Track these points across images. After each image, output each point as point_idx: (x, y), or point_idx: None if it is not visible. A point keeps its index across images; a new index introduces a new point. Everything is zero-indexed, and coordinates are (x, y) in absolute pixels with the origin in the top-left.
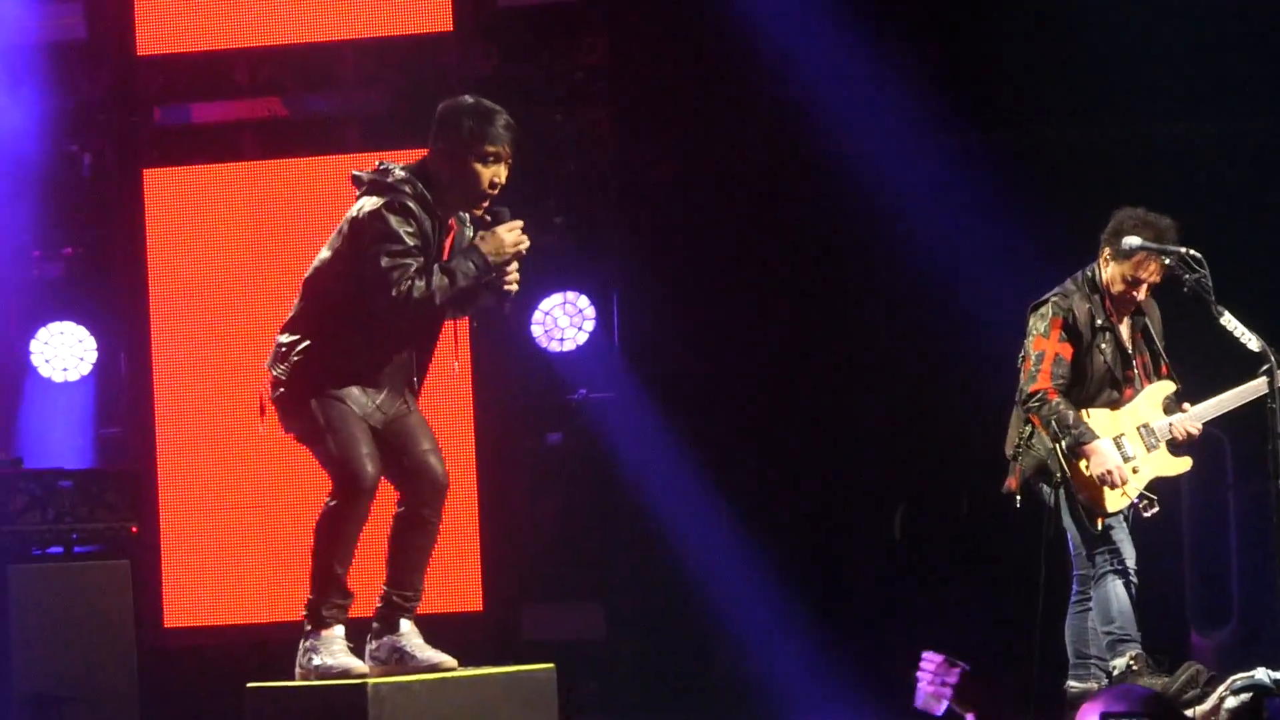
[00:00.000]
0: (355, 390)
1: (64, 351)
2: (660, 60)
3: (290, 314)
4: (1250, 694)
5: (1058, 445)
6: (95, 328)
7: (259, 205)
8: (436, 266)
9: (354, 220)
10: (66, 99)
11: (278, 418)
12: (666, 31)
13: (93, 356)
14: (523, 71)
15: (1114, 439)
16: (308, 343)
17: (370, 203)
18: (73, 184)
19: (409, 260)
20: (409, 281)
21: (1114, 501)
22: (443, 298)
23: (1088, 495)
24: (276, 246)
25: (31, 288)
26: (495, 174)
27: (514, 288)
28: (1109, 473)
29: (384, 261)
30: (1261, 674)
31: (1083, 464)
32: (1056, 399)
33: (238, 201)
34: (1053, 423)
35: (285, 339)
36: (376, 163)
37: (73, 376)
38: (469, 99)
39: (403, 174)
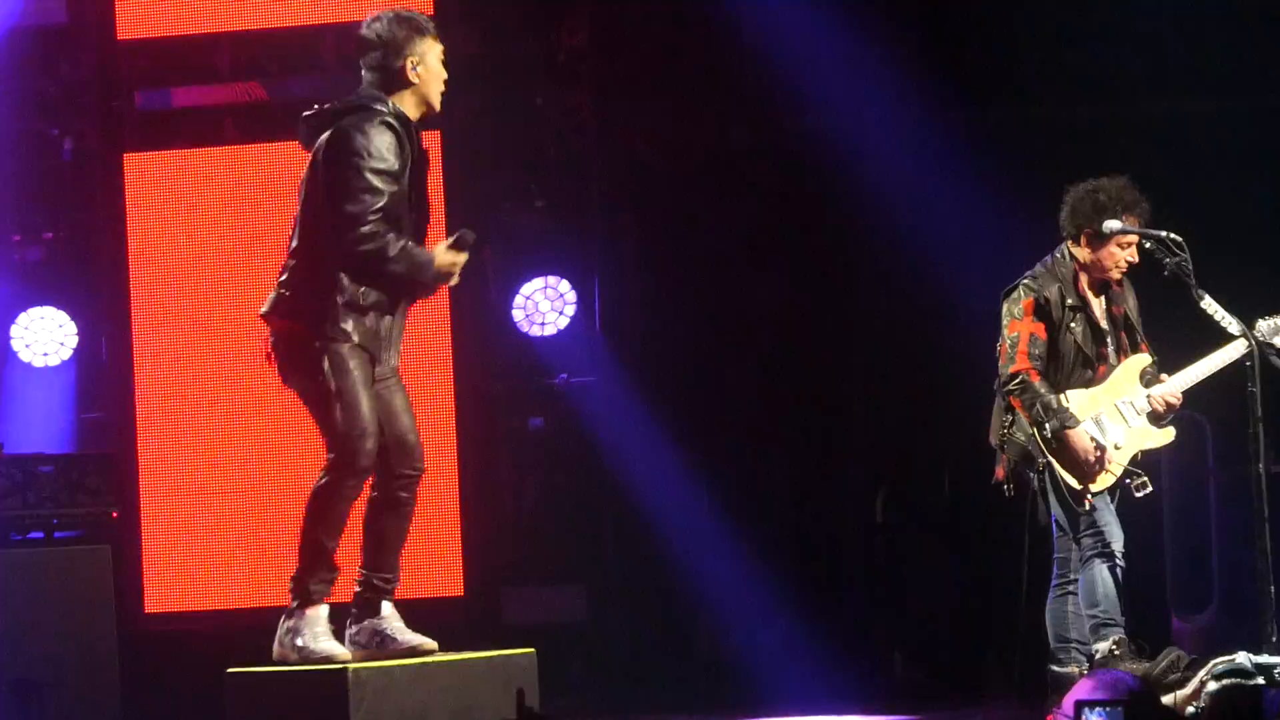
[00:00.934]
0: (376, 337)
1: (44, 336)
2: (642, 42)
3: (285, 264)
4: (1232, 679)
5: (1036, 430)
6: (76, 312)
7: (240, 189)
8: (405, 245)
9: (331, 139)
10: (47, 83)
11: (279, 368)
12: (648, 13)
13: (73, 341)
14: (504, 54)
15: (1093, 418)
16: (321, 283)
17: (349, 121)
18: (53, 168)
19: (383, 193)
20: (383, 238)
21: (1098, 481)
22: (389, 267)
23: (1072, 476)
24: (257, 230)
25: (11, 272)
26: (444, 64)
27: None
28: (1090, 461)
29: (366, 179)
30: (1242, 658)
31: (1063, 444)
32: (1038, 380)
33: (219, 185)
34: (1036, 406)
35: (291, 280)
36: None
37: (53, 361)
38: (388, 14)
39: (376, 93)
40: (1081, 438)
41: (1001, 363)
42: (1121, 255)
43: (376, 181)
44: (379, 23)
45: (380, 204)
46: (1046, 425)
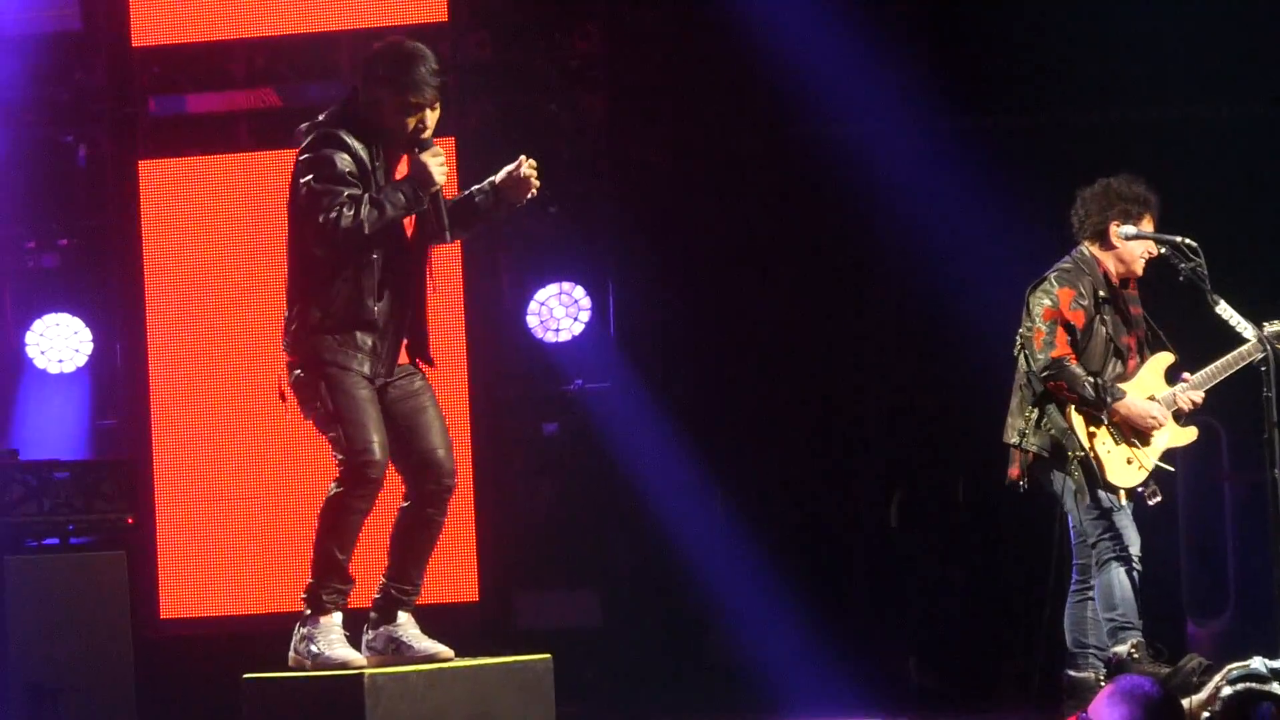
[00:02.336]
0: (352, 349)
1: (60, 343)
2: (655, 47)
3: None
4: (1248, 683)
5: (1073, 422)
6: (91, 319)
7: (254, 196)
8: (366, 197)
9: (293, 170)
10: (62, 90)
11: (297, 403)
12: (661, 18)
13: (88, 348)
14: (517, 60)
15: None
16: (300, 310)
17: (303, 146)
18: (68, 175)
19: (339, 187)
20: (337, 209)
21: (1132, 475)
22: (371, 228)
23: (1107, 471)
24: (272, 237)
25: (27, 279)
26: (421, 121)
27: (533, 188)
28: (1155, 421)
29: (315, 186)
30: (1258, 663)
31: (1099, 440)
32: (1076, 364)
33: (233, 192)
34: (1085, 386)
35: (287, 315)
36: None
37: (68, 368)
38: (395, 43)
39: (329, 112)
40: (1138, 402)
41: (1037, 349)
42: (1145, 246)
43: (328, 184)
44: (376, 46)
45: (337, 191)
46: (1103, 400)
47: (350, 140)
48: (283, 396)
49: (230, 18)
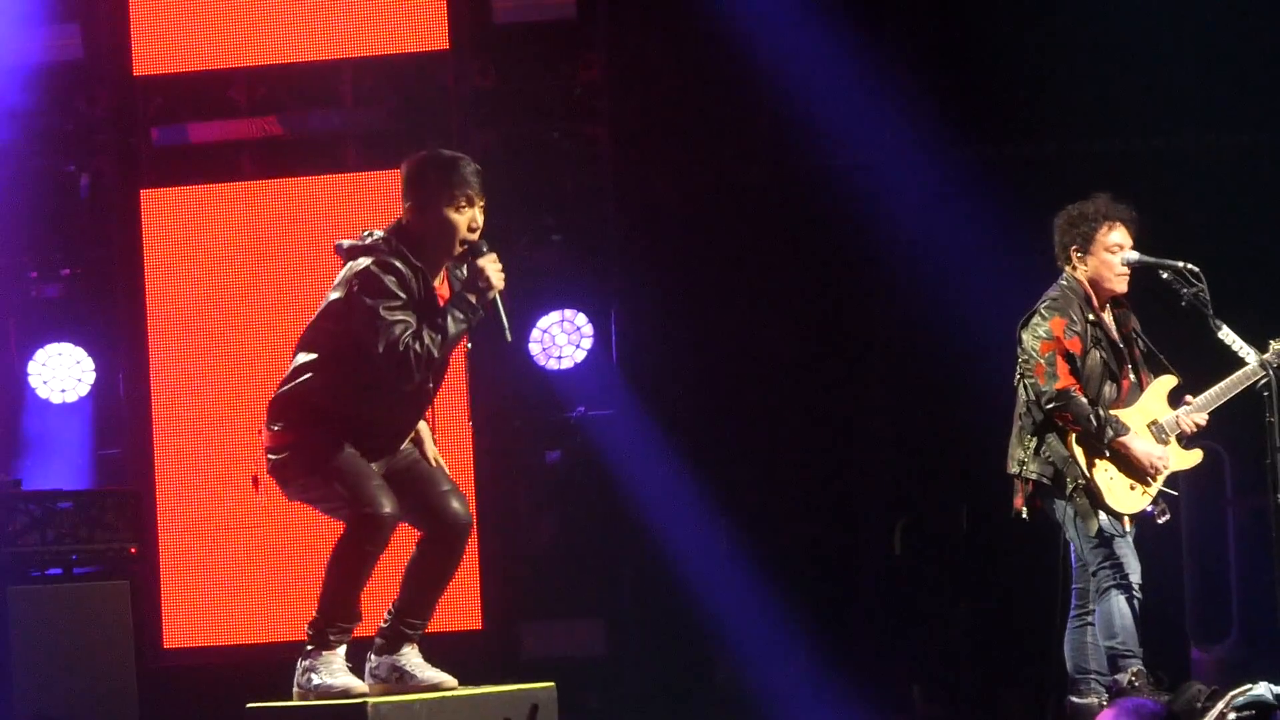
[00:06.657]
0: (352, 442)
1: (62, 372)
2: (658, 76)
3: (287, 372)
4: (1253, 710)
5: (1074, 449)
6: (93, 348)
7: (257, 225)
8: (429, 322)
9: (347, 281)
10: (64, 119)
11: (280, 488)
12: (664, 47)
13: (91, 377)
14: (520, 89)
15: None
16: (306, 395)
17: (359, 263)
18: (70, 205)
19: (405, 317)
20: (406, 342)
21: (1135, 501)
22: (441, 351)
23: (1109, 497)
24: (275, 266)
25: (29, 309)
26: (471, 219)
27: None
28: (1154, 462)
29: (384, 314)
30: (1263, 688)
31: (1100, 467)
32: (1082, 394)
33: (236, 221)
34: (1089, 417)
35: (284, 389)
36: (362, 232)
37: (71, 398)
38: (431, 152)
39: (381, 234)
40: (1143, 440)
41: (1040, 383)
42: (1116, 260)
43: (396, 314)
44: (410, 160)
45: (405, 323)
46: (1105, 434)
47: (403, 267)
48: (255, 481)
49: (232, 47)
